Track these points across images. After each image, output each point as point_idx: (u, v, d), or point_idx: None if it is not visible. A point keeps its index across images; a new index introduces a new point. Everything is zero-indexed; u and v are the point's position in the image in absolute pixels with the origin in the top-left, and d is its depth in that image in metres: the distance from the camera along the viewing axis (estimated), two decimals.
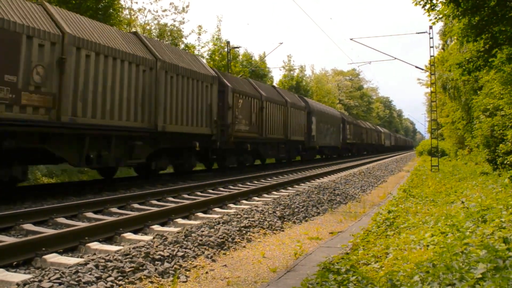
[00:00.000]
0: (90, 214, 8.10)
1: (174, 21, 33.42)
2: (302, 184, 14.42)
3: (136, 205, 9.24)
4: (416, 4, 10.61)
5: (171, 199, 10.37)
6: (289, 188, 13.28)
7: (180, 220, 7.84)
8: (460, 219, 5.56)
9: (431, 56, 23.12)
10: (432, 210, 7.46)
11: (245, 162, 21.36)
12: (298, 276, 4.94)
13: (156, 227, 7.18)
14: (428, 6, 10.63)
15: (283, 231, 7.97)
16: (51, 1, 18.42)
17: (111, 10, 21.55)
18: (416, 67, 25.25)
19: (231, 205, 9.65)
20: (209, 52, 35.56)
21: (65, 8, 18.12)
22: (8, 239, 5.97)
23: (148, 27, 30.73)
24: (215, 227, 6.98)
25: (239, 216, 7.97)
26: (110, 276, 4.57)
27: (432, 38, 22.80)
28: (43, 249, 5.19)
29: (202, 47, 35.16)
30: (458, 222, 5.42)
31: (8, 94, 8.68)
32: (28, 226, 6.80)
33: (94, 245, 5.82)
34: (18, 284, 4.13)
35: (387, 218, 7.51)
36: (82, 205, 8.40)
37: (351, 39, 25.19)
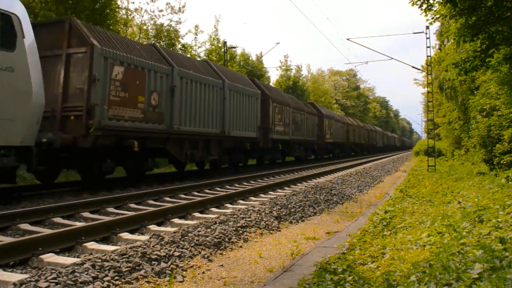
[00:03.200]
0: (86, 214, 8.08)
1: (171, 21, 33.24)
2: (299, 184, 14.42)
3: (132, 205, 9.22)
4: (413, 4, 10.63)
5: (167, 199, 10.36)
6: (286, 188, 13.28)
7: (176, 220, 7.83)
8: (456, 219, 5.57)
9: (427, 56, 23.16)
10: (428, 210, 7.47)
11: (277, 158, 26.32)
12: (295, 276, 4.94)
13: (153, 227, 7.16)
14: (425, 6, 10.65)
15: (279, 231, 7.97)
16: (48, 1, 18.34)
17: (107, 10, 21.47)
18: (413, 67, 25.25)
19: (228, 205, 9.64)
20: (206, 52, 35.48)
21: (62, 9, 18.00)
22: (4, 239, 5.95)
23: (144, 27, 30.64)
24: (211, 227, 6.97)
25: (235, 216, 7.96)
26: (106, 276, 4.56)
27: (428, 38, 22.84)
28: (40, 249, 5.17)
29: (199, 47, 35.07)
30: (455, 222, 5.43)
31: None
32: (25, 226, 6.77)
33: (91, 245, 5.80)
34: (15, 284, 4.12)
35: (384, 218, 7.52)
36: (79, 205, 8.37)
37: (348, 39, 25.27)
